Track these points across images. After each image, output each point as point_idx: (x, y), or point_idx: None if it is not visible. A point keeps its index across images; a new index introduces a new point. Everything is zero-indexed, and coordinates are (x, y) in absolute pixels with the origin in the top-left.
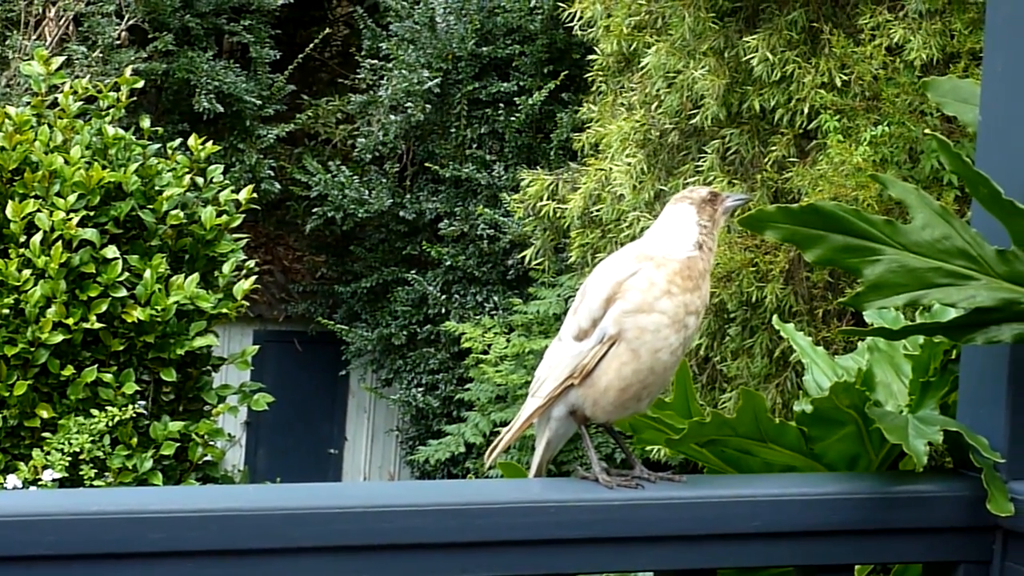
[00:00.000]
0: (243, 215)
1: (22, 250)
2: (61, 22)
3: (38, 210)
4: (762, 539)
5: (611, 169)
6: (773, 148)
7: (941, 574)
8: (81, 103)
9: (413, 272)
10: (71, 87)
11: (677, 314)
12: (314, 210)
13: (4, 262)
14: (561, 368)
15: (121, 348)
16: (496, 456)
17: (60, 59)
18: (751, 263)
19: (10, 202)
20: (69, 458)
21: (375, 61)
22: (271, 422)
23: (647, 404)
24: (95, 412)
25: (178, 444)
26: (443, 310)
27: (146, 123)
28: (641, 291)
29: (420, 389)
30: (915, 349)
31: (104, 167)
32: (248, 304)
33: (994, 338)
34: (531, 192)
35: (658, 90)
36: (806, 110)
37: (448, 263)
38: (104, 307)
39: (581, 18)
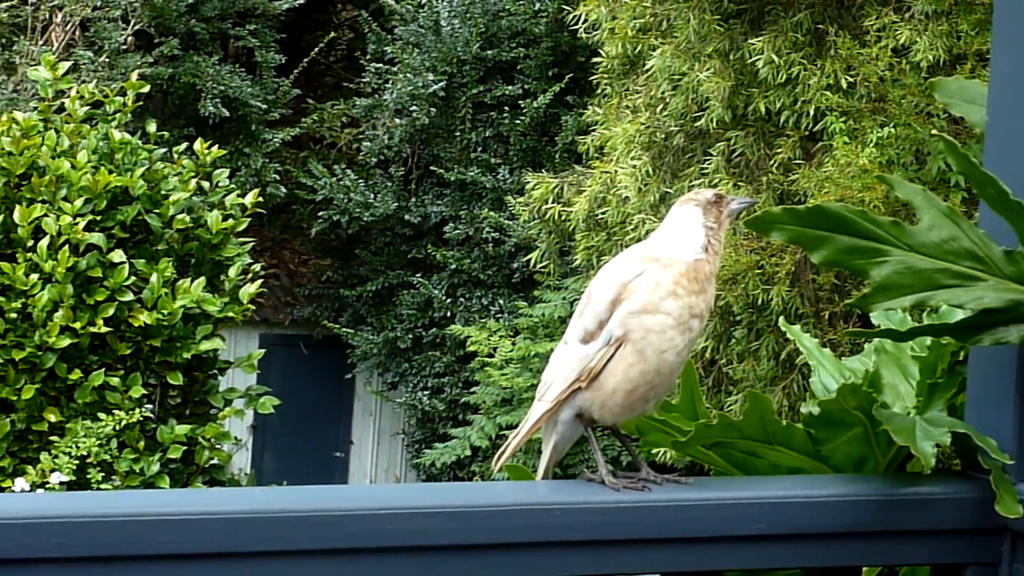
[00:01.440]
0: (249, 219)
1: (29, 254)
2: (68, 27)
3: (45, 215)
4: (768, 541)
5: (616, 172)
6: (778, 150)
7: None
8: (88, 108)
9: (418, 275)
10: (78, 92)
11: (682, 316)
12: (319, 214)
13: (11, 266)
14: (568, 372)
15: (128, 352)
16: (503, 461)
17: (67, 64)
18: (757, 265)
19: (17, 207)
20: (76, 461)
21: (380, 65)
22: (277, 425)
23: (653, 406)
24: (102, 416)
25: (185, 447)
26: (448, 313)
27: (152, 128)
28: (647, 292)
29: (426, 392)
30: (922, 351)
31: (111, 171)
32: (254, 308)
33: (1002, 339)
34: (536, 195)
35: (663, 92)
36: (812, 112)
37: (453, 266)
38: (111, 311)
39: (586, 21)
